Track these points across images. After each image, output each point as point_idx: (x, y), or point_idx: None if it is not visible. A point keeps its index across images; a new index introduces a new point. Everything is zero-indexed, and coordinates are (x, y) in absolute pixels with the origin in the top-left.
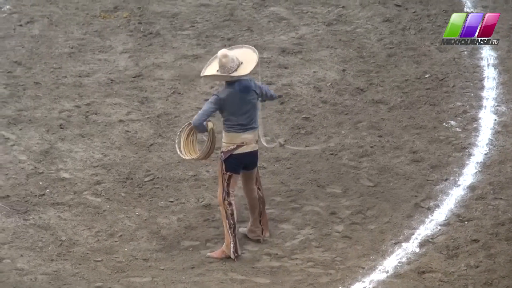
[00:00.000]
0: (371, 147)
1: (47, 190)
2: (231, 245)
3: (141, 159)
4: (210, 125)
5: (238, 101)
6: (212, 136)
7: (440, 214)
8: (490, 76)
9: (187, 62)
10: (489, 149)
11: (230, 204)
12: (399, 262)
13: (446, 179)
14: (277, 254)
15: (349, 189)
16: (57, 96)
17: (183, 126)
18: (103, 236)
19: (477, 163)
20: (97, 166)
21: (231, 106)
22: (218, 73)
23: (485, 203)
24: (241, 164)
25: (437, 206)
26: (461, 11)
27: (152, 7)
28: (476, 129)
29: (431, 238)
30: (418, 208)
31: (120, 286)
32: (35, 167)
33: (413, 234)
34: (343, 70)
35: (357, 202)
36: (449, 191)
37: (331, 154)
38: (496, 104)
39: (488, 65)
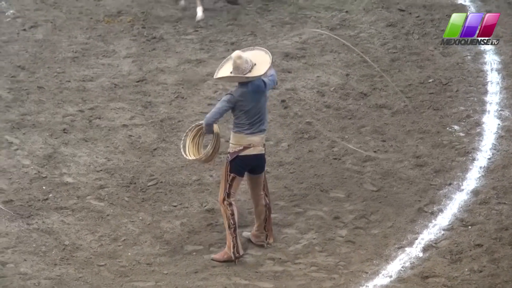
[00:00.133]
0: (375, 151)
1: (51, 195)
2: (232, 245)
3: (145, 163)
4: (215, 128)
5: (250, 100)
6: (217, 139)
7: (444, 219)
8: (494, 81)
9: (191, 67)
10: (493, 154)
11: (230, 204)
12: (402, 267)
13: (450, 184)
14: (280, 258)
15: (352, 193)
16: (60, 100)
17: (190, 127)
18: (106, 240)
19: (480, 167)
20: (101, 170)
21: (243, 105)
22: (233, 74)
23: (489, 207)
24: (246, 166)
25: (441, 210)
26: None
27: (155, 11)
28: (480, 134)
29: (435, 243)
30: (422, 212)
31: None
32: (39, 172)
33: (416, 239)
34: (347, 75)
35: (360, 207)
36: (453, 196)
37: (335, 158)
38: (499, 109)
39: (492, 69)
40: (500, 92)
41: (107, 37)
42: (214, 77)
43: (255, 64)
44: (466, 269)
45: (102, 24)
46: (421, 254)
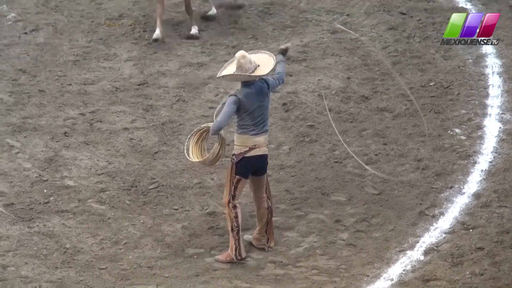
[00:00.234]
0: (376, 155)
1: (52, 198)
2: (234, 247)
3: (146, 166)
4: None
5: (253, 102)
6: (222, 141)
7: (445, 222)
8: (495, 84)
9: (192, 70)
10: (494, 157)
11: (235, 207)
12: (403, 270)
13: (451, 187)
14: (281, 261)
15: (353, 196)
16: (61, 103)
17: (193, 131)
18: (107, 243)
19: (482, 171)
20: (102, 173)
21: (247, 106)
22: (238, 73)
23: (490, 211)
24: (251, 168)
25: (442, 214)
26: None
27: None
28: (481, 137)
29: (436, 246)
30: (423, 216)
31: None
32: (40, 175)
33: (417, 242)
34: (348, 78)
35: (361, 210)
36: (454, 199)
37: (336, 162)
38: (501, 112)
39: (493, 73)
40: (501, 95)
41: (108, 40)
42: (218, 75)
43: (258, 66)
44: (467, 272)
45: (103, 28)
46: (422, 257)
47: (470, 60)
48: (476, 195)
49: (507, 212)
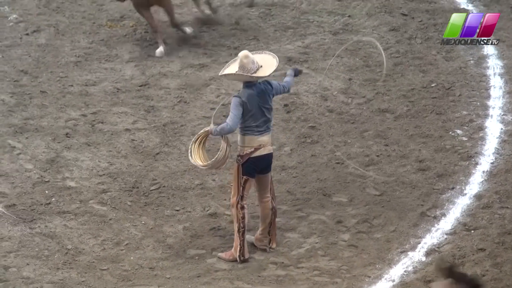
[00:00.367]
0: (377, 156)
1: (53, 199)
2: (238, 248)
3: (147, 168)
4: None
5: (256, 103)
6: (227, 143)
7: (446, 223)
8: (497, 85)
9: (193, 71)
10: (495, 158)
11: (242, 207)
12: (405, 271)
13: (452, 188)
14: (283, 262)
15: (355, 198)
16: (63, 105)
17: (194, 138)
18: (109, 244)
19: (483, 172)
20: (103, 174)
21: (249, 108)
22: (239, 73)
23: (491, 212)
24: (257, 167)
25: (443, 215)
26: None
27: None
28: (482, 138)
29: (437, 247)
30: (424, 217)
31: None
32: (41, 176)
33: (419, 243)
34: (350, 79)
35: (363, 211)
36: (455, 200)
37: (337, 163)
38: (502, 113)
39: (495, 74)
40: (503, 97)
41: (110, 41)
42: (219, 74)
43: (261, 66)
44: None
45: (105, 29)
46: (424, 259)
47: (471, 61)
48: (478, 196)
49: (509, 213)
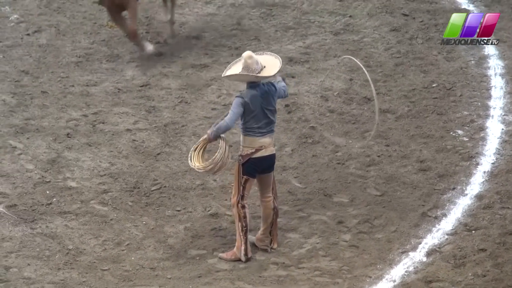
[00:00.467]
0: (378, 156)
1: (54, 199)
2: (242, 247)
3: (148, 168)
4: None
5: (259, 105)
6: (226, 145)
7: (447, 223)
8: (498, 86)
9: (195, 72)
10: (496, 158)
11: (243, 207)
12: (406, 271)
13: (453, 188)
14: (284, 263)
15: (356, 198)
16: (64, 105)
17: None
18: (110, 245)
19: (484, 172)
20: (104, 175)
21: (252, 109)
22: (244, 73)
23: (492, 212)
24: (258, 168)
25: (444, 215)
26: None
27: (159, 16)
28: (483, 139)
29: (438, 247)
30: (425, 217)
31: None
32: (42, 176)
33: (420, 243)
34: (350, 80)
35: (364, 211)
36: (456, 200)
37: (338, 163)
38: (503, 114)
39: (496, 74)
40: (504, 97)
41: (111, 41)
42: (223, 75)
43: (264, 67)
44: (470, 274)
45: (106, 29)
46: (424, 259)
47: (472, 62)
48: (479, 197)
49: (510, 213)
